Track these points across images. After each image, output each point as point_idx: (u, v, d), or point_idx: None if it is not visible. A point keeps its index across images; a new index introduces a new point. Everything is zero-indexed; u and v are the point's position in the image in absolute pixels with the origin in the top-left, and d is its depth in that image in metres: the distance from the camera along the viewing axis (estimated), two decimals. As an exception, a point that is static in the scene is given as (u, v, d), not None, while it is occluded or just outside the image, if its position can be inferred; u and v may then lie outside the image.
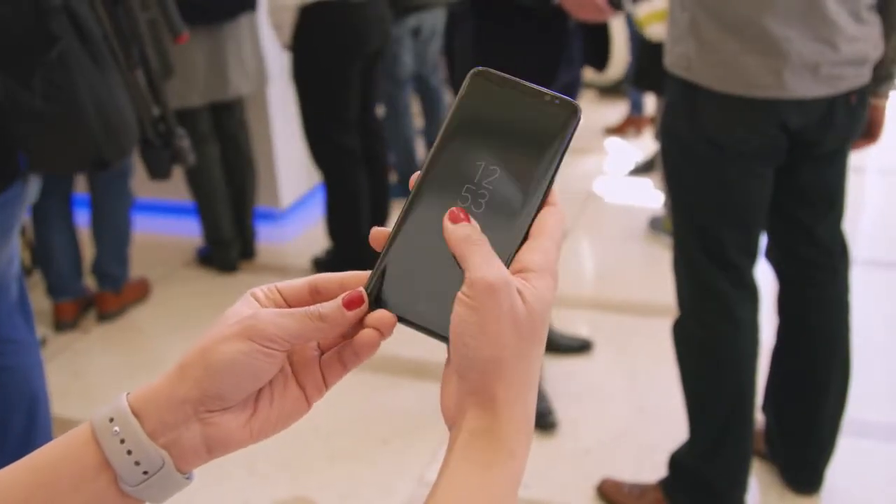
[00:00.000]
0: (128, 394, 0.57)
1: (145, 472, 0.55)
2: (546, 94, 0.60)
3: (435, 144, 0.60)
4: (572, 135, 0.59)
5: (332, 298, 0.59)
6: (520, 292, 0.55)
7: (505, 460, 0.55)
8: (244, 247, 4.02)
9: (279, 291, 0.61)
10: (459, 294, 0.55)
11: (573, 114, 0.59)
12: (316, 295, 0.61)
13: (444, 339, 0.58)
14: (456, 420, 0.57)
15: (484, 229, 0.57)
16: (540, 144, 0.59)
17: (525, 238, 0.58)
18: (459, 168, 0.59)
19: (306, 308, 0.59)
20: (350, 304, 0.59)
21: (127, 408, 0.56)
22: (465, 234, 0.57)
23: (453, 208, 0.58)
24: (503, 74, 0.61)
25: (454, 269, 0.57)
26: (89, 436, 0.55)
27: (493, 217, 0.58)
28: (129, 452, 0.55)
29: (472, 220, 0.57)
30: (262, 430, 0.61)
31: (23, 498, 0.54)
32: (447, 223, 0.57)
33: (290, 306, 0.61)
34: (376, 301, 0.60)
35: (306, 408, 0.64)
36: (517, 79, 0.61)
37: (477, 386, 0.55)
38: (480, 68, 0.61)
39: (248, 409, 0.60)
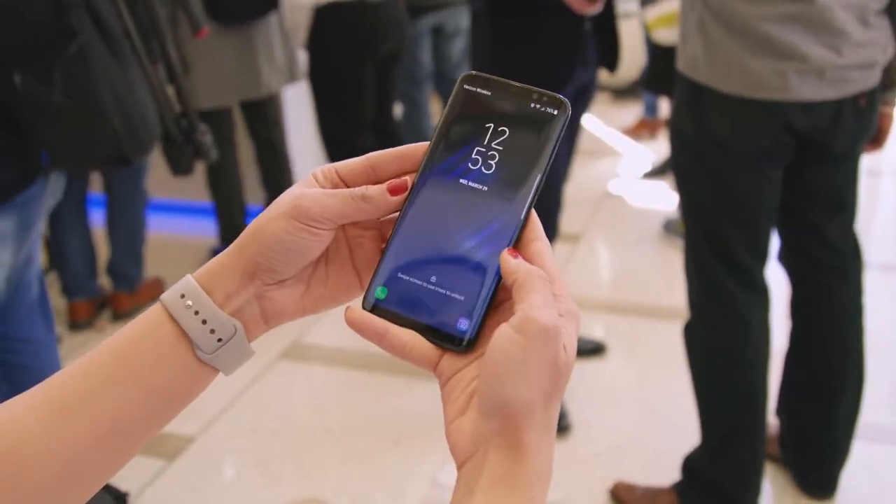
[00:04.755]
0: (190, 274, 0.60)
1: (220, 340, 0.58)
2: (534, 90, 0.61)
3: (429, 144, 0.62)
4: (563, 128, 0.60)
5: (388, 177, 0.61)
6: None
7: None
8: None
9: (336, 172, 0.62)
10: (506, 328, 0.54)
11: (562, 108, 0.61)
12: (372, 173, 0.62)
13: (447, 340, 0.58)
14: (471, 458, 0.55)
15: (483, 216, 0.59)
16: (532, 139, 0.60)
17: (523, 226, 0.59)
18: (457, 159, 0.61)
19: (351, 189, 0.60)
20: (394, 191, 0.60)
21: (195, 283, 0.59)
22: (532, 269, 0.56)
23: (508, 249, 0.58)
24: (491, 76, 0.63)
25: (461, 268, 0.58)
26: (162, 314, 0.58)
27: (492, 202, 0.59)
28: (205, 322, 0.58)
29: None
30: (314, 306, 0.63)
31: (106, 377, 0.57)
32: (509, 256, 0.57)
33: (346, 186, 0.62)
34: (375, 301, 0.60)
35: (359, 291, 0.64)
36: (505, 79, 0.62)
37: (506, 429, 0.54)
38: (469, 73, 0.63)
39: (302, 285, 0.62)
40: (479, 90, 0.62)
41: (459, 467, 0.56)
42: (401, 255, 0.60)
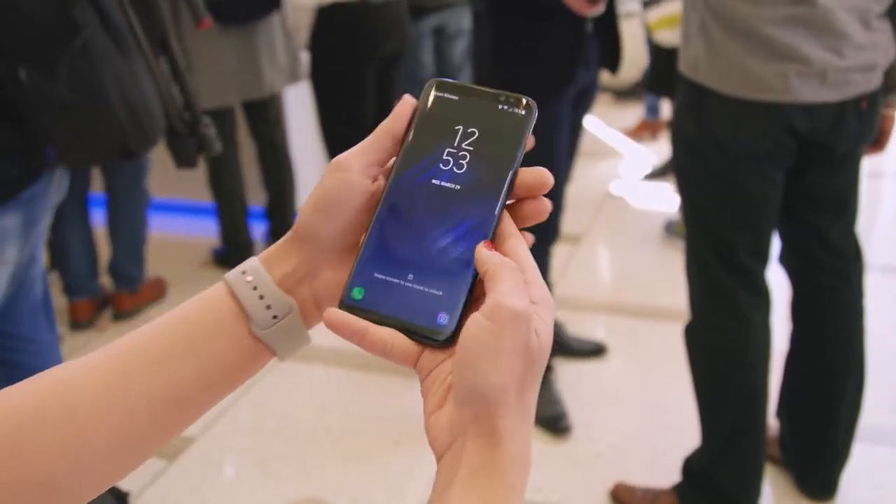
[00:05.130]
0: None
1: (275, 317, 0.60)
2: (501, 93, 0.64)
3: (400, 148, 0.63)
4: (530, 127, 0.62)
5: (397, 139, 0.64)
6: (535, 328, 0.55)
7: (506, 493, 0.54)
8: None
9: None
10: (478, 315, 0.54)
11: (529, 108, 0.63)
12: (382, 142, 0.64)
13: (427, 335, 0.58)
14: (449, 449, 0.56)
15: (457, 213, 0.60)
16: (502, 138, 0.62)
17: (498, 222, 0.60)
18: (429, 161, 0.62)
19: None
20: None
21: (257, 261, 0.61)
22: (503, 260, 0.57)
23: (485, 242, 0.59)
24: (459, 82, 0.65)
25: (437, 265, 0.59)
26: (224, 290, 0.60)
27: (465, 199, 0.61)
28: (262, 297, 0.60)
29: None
30: None
31: (167, 347, 0.59)
32: (482, 248, 0.58)
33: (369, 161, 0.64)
34: (353, 302, 0.60)
35: None
36: (472, 85, 0.65)
37: (480, 416, 0.54)
38: (438, 79, 0.65)
39: (346, 268, 0.62)
40: (447, 95, 0.64)
41: (439, 459, 0.57)
42: (376, 255, 0.61)
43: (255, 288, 0.60)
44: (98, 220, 3.56)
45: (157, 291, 3.69)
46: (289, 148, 3.96)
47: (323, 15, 3.30)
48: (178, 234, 4.46)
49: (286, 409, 2.90)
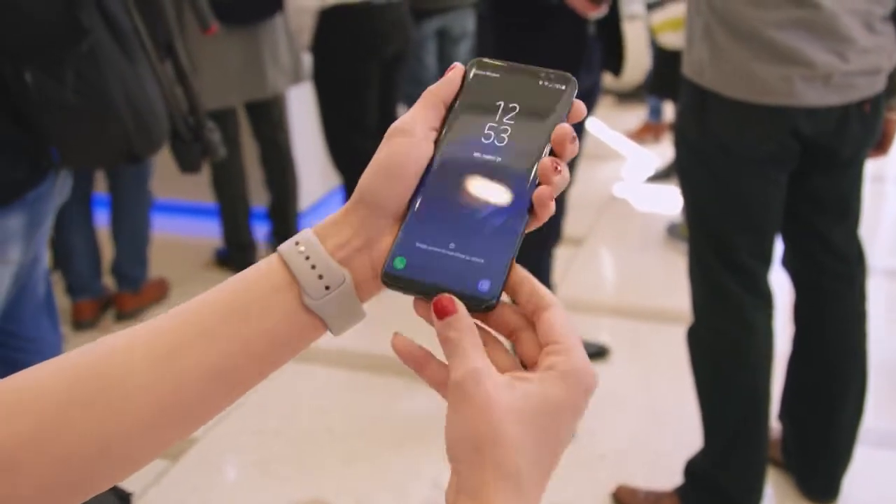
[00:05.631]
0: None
1: (327, 287, 0.59)
2: (542, 70, 0.65)
3: (442, 123, 0.64)
4: (571, 101, 0.64)
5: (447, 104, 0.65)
6: (524, 379, 0.54)
7: None
8: None
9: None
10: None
11: (570, 83, 0.64)
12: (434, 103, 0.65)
13: (470, 302, 0.58)
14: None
15: (498, 184, 0.61)
16: (542, 111, 0.63)
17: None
18: (470, 135, 0.63)
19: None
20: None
21: (310, 231, 0.60)
22: (445, 337, 0.56)
23: (443, 296, 0.58)
24: (499, 61, 0.66)
25: (479, 234, 0.60)
26: (277, 261, 0.60)
27: (506, 171, 0.62)
28: (314, 267, 0.59)
29: (459, 308, 0.57)
30: None
31: (222, 314, 0.58)
32: (435, 320, 0.57)
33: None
34: (395, 272, 0.60)
35: None
36: (513, 63, 0.66)
37: (463, 481, 0.54)
38: (479, 58, 0.66)
39: None
40: (489, 73, 0.65)
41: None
42: (419, 225, 0.61)
43: (307, 258, 0.59)
44: (101, 220, 3.56)
45: (160, 292, 3.70)
46: (291, 149, 3.97)
47: (326, 17, 3.31)
48: (180, 234, 4.46)
49: (288, 409, 2.90)
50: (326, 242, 0.60)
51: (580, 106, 0.63)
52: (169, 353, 0.57)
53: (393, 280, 0.60)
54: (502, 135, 0.63)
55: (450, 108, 0.64)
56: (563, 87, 0.64)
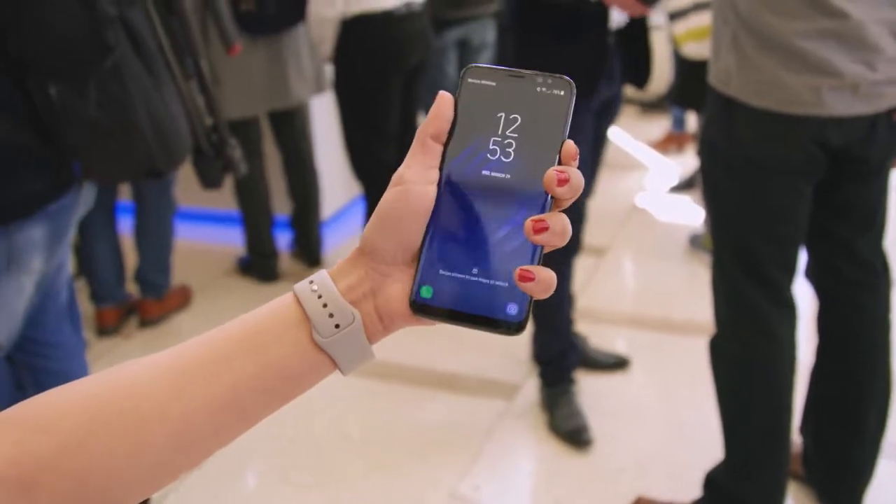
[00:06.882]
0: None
1: (337, 326, 0.61)
2: (538, 74, 0.64)
3: (445, 142, 0.63)
4: (571, 106, 0.63)
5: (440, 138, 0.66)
6: None
7: None
8: (311, 256, 4.07)
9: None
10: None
11: (568, 87, 0.63)
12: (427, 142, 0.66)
13: (499, 326, 0.59)
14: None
15: (511, 203, 0.61)
16: (544, 121, 0.62)
17: (550, 207, 0.61)
18: (475, 151, 0.63)
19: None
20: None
21: (325, 272, 0.63)
22: None
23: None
24: (490, 66, 0.65)
25: (499, 256, 0.60)
26: (291, 299, 0.62)
27: (516, 188, 0.61)
28: (325, 305, 0.61)
29: None
30: None
31: (234, 346, 0.61)
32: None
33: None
34: (424, 301, 0.61)
35: None
36: (507, 67, 0.65)
37: None
38: (471, 65, 0.65)
39: (407, 284, 0.63)
40: (484, 82, 0.64)
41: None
42: (439, 252, 0.61)
43: (319, 296, 0.61)
44: (125, 227, 3.59)
45: (183, 299, 3.72)
46: (314, 158, 3.99)
47: (347, 27, 3.32)
48: (203, 242, 4.49)
49: (304, 417, 2.91)
50: (339, 283, 0.62)
51: (571, 146, 0.62)
52: (183, 382, 0.59)
53: (421, 309, 0.61)
54: (508, 149, 0.62)
55: (452, 126, 0.63)
56: (562, 93, 0.63)
